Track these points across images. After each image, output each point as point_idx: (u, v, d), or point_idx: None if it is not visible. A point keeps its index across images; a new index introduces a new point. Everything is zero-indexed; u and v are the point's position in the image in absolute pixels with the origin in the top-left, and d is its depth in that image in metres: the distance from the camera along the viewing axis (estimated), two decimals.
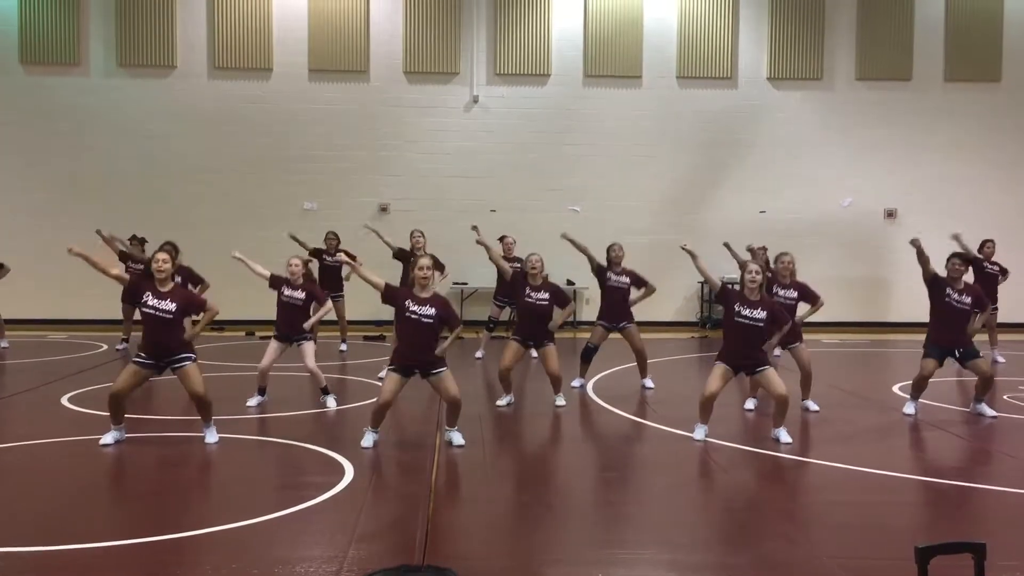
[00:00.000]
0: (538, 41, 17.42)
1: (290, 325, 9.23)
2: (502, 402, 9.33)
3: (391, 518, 5.80)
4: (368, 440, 7.50)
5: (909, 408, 9.08)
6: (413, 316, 7.38)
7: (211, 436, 7.62)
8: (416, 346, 7.44)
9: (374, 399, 8.79)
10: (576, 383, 10.46)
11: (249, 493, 6.38)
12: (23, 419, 8.65)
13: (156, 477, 6.91)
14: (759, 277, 7.83)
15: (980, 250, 12.60)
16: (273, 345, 9.26)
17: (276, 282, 9.28)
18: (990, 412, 9.01)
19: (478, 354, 12.90)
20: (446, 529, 5.52)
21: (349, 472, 6.65)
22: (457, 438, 7.60)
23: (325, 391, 9.23)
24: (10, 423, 8.51)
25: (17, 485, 6.56)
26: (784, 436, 7.78)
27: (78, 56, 16.95)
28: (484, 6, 17.37)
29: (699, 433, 7.87)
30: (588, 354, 10.54)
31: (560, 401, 9.33)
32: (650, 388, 10.41)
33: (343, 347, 13.55)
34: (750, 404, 9.26)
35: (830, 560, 4.98)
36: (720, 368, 7.90)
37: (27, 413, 8.95)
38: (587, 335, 10.91)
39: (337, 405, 9.14)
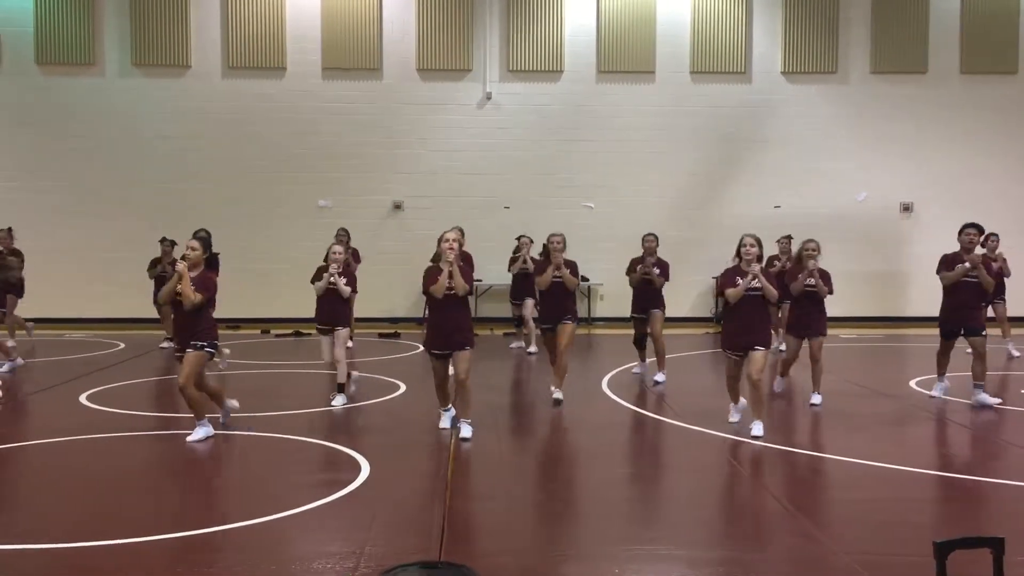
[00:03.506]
0: (551, 37, 17.40)
1: (333, 312, 9.25)
2: (557, 395, 9.31)
3: (408, 514, 5.81)
4: (446, 421, 7.96)
5: (937, 390, 9.43)
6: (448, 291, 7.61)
7: (198, 434, 7.60)
8: (446, 319, 7.65)
9: (386, 397, 8.85)
10: (636, 368, 11.06)
11: (267, 490, 6.41)
12: (43, 417, 8.72)
13: (173, 475, 6.95)
14: (754, 249, 7.86)
15: (983, 244, 12.21)
16: (324, 340, 9.35)
17: (318, 274, 9.33)
18: (991, 400, 9.01)
19: (531, 349, 13.12)
20: (463, 526, 5.53)
21: (366, 469, 6.67)
22: (466, 430, 7.63)
23: (341, 388, 9.19)
24: (30, 421, 8.58)
25: (37, 483, 6.61)
26: (757, 428, 7.69)
27: (93, 56, 17.04)
28: (497, 3, 17.35)
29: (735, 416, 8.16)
30: (640, 342, 10.94)
31: (557, 395, 9.21)
32: (660, 383, 10.36)
33: (349, 343, 13.53)
34: (777, 385, 9.64)
35: (847, 556, 4.96)
36: (729, 362, 8.10)
37: (46, 411, 9.03)
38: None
39: (344, 405, 9.08)
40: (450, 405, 8.06)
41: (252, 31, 17.11)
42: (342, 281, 9.18)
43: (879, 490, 6.38)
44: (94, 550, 5.03)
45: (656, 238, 10.92)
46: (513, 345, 13.68)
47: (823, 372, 9.31)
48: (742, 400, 8.22)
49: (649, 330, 10.69)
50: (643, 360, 11.06)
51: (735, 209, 17.07)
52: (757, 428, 7.70)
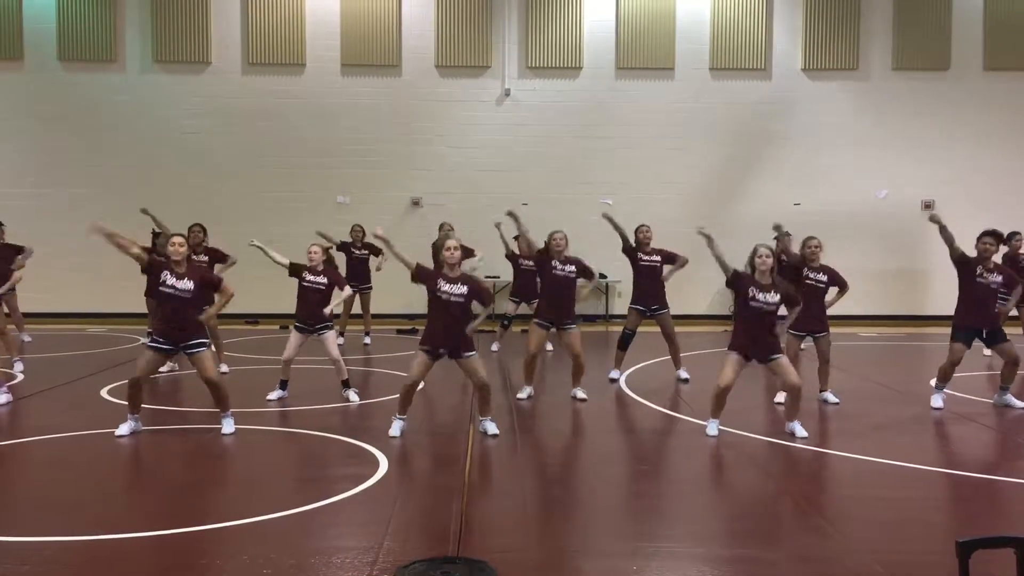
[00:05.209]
0: (570, 34, 17.37)
1: (311, 313, 9.25)
2: (522, 395, 9.32)
3: (425, 510, 5.83)
4: (396, 429, 7.60)
5: (937, 401, 8.95)
6: (443, 296, 7.46)
7: (228, 426, 7.70)
8: (447, 327, 7.47)
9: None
10: (613, 374, 10.52)
11: (285, 484, 6.44)
12: (64, 411, 8.78)
13: (193, 468, 6.99)
14: (769, 260, 7.69)
15: (1007, 243, 12.03)
16: (294, 335, 9.31)
17: (296, 270, 9.36)
18: (1018, 403, 8.89)
19: (494, 347, 13.10)
20: (480, 521, 5.53)
21: (383, 464, 6.69)
22: (491, 427, 7.64)
23: (346, 384, 9.25)
24: (51, 414, 8.64)
25: (59, 476, 6.66)
26: (799, 430, 7.67)
27: (114, 53, 17.16)
28: None
29: (712, 428, 7.76)
30: (625, 341, 10.57)
31: (580, 394, 9.29)
32: (685, 379, 10.37)
33: (367, 340, 13.68)
34: (780, 398, 9.03)
35: (866, 555, 4.93)
36: (733, 358, 7.75)
37: (68, 405, 9.10)
38: (619, 329, 10.92)
39: (359, 399, 9.17)
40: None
41: (272, 27, 17.18)
42: (321, 279, 9.25)
43: (899, 489, 6.34)
44: (113, 543, 5.07)
45: (649, 228, 10.58)
46: (494, 347, 13.13)
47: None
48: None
49: (661, 331, 10.52)
50: (619, 366, 10.60)
51: (754, 206, 16.98)
52: (801, 430, 7.66)
